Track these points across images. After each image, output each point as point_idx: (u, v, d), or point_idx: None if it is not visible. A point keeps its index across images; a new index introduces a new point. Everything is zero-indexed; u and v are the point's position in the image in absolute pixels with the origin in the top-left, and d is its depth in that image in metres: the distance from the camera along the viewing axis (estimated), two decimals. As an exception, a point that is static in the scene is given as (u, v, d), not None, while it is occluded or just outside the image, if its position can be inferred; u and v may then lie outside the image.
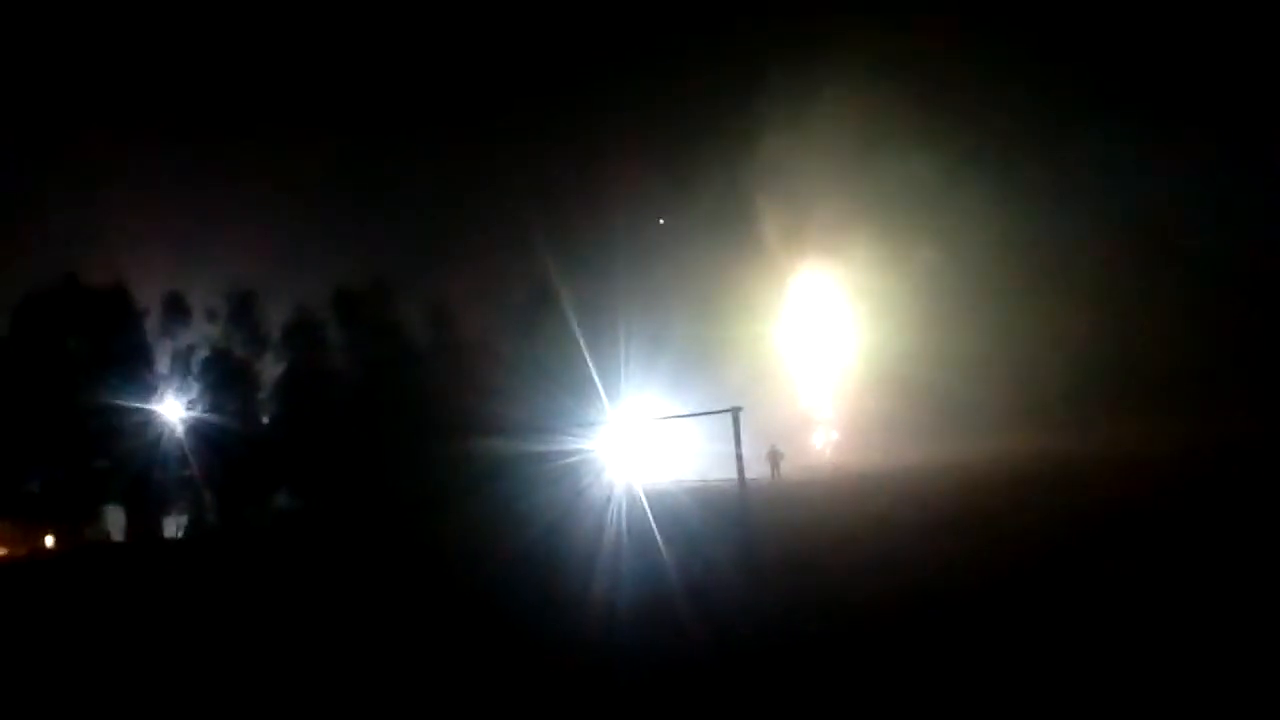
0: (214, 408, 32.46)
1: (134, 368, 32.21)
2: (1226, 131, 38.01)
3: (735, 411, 34.89)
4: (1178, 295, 37.57)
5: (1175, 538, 15.75)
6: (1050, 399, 36.57)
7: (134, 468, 31.42)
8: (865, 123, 44.76)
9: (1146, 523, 17.63)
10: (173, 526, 32.61)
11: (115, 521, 32.26)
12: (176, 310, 33.46)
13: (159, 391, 32.56)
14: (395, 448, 31.35)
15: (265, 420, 33.73)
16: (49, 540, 31.05)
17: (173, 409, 32.42)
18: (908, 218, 43.42)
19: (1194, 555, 14.03)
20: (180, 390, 32.73)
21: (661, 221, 46.53)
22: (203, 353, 33.61)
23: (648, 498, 29.42)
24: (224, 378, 33.06)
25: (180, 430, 32.07)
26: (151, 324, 33.38)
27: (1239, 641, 9.62)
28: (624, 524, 26.18)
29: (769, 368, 44.65)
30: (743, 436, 34.06)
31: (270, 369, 34.09)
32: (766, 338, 45.38)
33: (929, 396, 39.47)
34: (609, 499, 31.97)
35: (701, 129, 48.70)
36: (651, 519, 25.30)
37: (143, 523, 31.83)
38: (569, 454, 34.29)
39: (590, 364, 34.97)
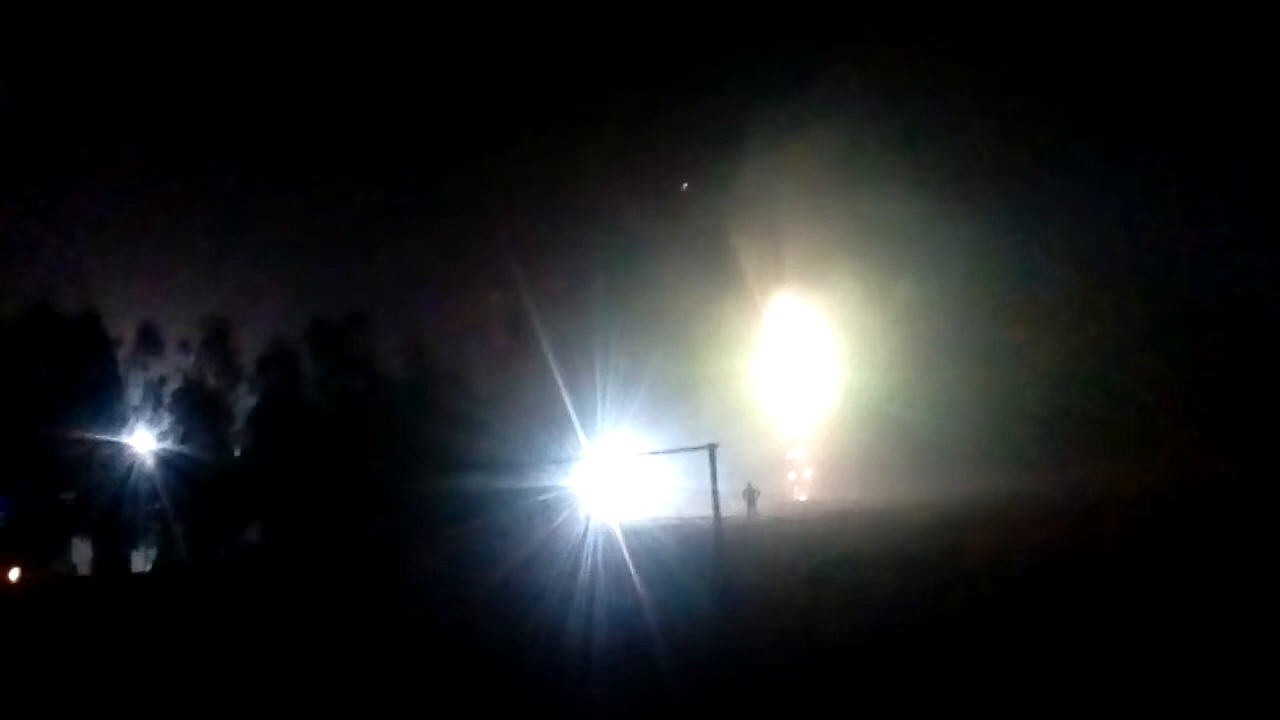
0: (185, 440, 32.37)
1: (105, 398, 32.12)
2: (1207, 170, 38.93)
3: (711, 448, 35.36)
4: (1154, 337, 38.30)
5: (1139, 581, 16.15)
6: (1023, 440, 37.10)
7: (103, 500, 31.22)
8: (844, 159, 45.55)
9: (1109, 565, 18.07)
10: (142, 560, 32.42)
11: (83, 555, 32.03)
12: (149, 341, 33.46)
13: (130, 423, 32.45)
14: (368, 483, 31.42)
15: (237, 453, 33.71)
16: (14, 574, 30.80)
17: (143, 441, 32.32)
18: (885, 255, 44.09)
19: (1157, 598, 14.41)
20: (151, 422, 32.65)
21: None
22: (175, 384, 33.59)
23: (624, 534, 29.63)
24: (196, 409, 33.01)
25: (151, 462, 31.95)
26: (124, 354, 33.33)
27: (1202, 681, 9.97)
28: (599, 561, 26.30)
29: (746, 404, 45.14)
30: (719, 473, 34.48)
31: (243, 401, 34.12)
32: (744, 373, 45.90)
33: (905, 435, 39.96)
34: (584, 536, 32.11)
35: (681, 164, 49.30)
36: (627, 556, 25.46)
37: (111, 556, 31.64)
38: (544, 490, 34.46)
39: (567, 399, 35.23)
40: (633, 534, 29.15)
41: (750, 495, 38.53)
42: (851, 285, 44.79)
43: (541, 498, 34.23)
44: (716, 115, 49.23)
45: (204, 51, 44.36)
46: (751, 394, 46.21)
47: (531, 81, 49.94)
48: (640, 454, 37.11)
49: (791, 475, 45.28)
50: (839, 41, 46.77)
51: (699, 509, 34.35)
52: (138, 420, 32.61)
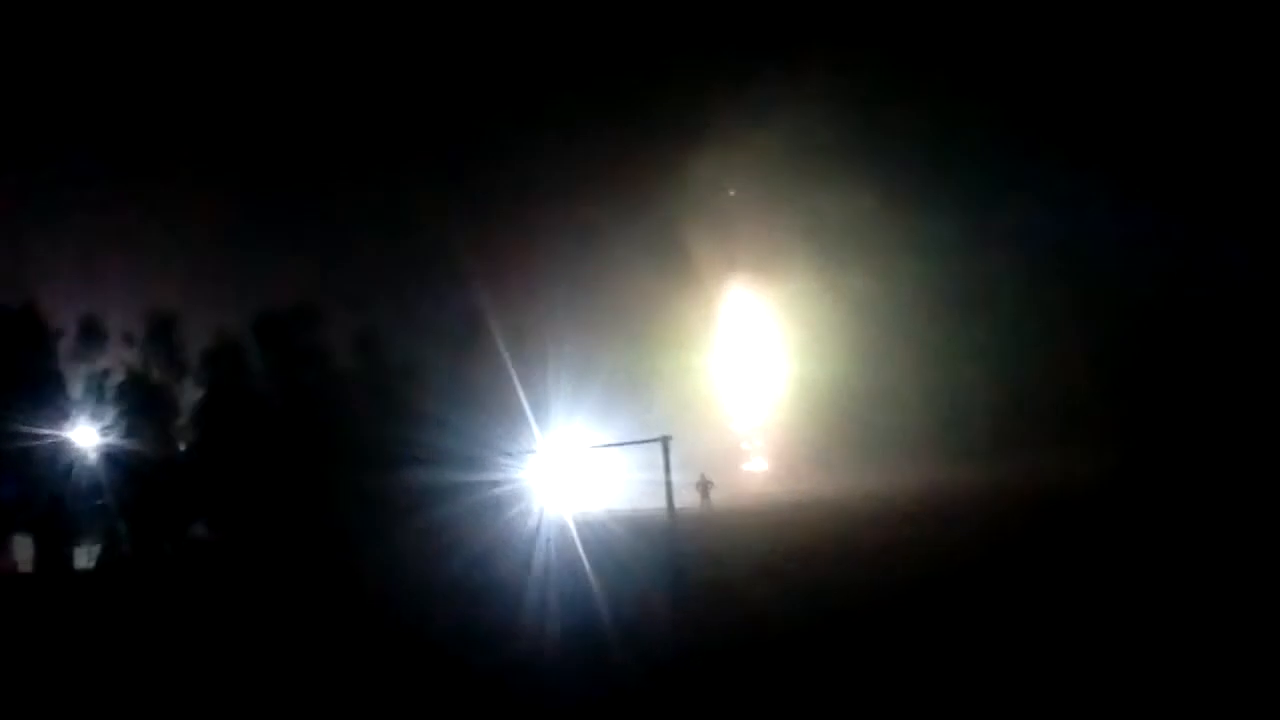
0: (129, 434, 31.90)
1: (45, 392, 31.54)
2: (1152, 165, 39.90)
3: (665, 441, 35.74)
4: (1099, 330, 39.26)
5: (1084, 567, 16.66)
6: (972, 430, 37.89)
7: (44, 496, 30.72)
8: (796, 153, 46.02)
9: (1056, 552, 18.61)
10: (85, 557, 31.94)
11: (25, 552, 31.50)
12: (91, 333, 32.90)
13: (72, 417, 31.93)
14: (318, 477, 31.21)
15: (183, 447, 33.31)
16: (-49, 572, 30.28)
17: (86, 435, 31.83)
18: (837, 249, 44.69)
19: (1101, 586, 14.90)
20: (94, 416, 32.15)
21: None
22: (118, 377, 33.08)
23: (577, 527, 29.82)
24: (140, 403, 32.53)
25: (94, 457, 31.49)
26: (65, 347, 32.75)
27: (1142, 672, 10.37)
28: (553, 553, 26.45)
29: (699, 396, 45.54)
30: (673, 464, 34.83)
31: (189, 394, 33.68)
32: (697, 366, 46.34)
33: (856, 426, 40.62)
34: (538, 528, 32.26)
35: (634, 156, 49.36)
36: (580, 548, 25.64)
37: (53, 553, 31.14)
38: (498, 483, 34.51)
39: (520, 391, 35.27)
40: (586, 526, 29.33)
41: (704, 487, 38.95)
42: (803, 278, 45.37)
43: (495, 491, 34.27)
44: (670, 109, 49.44)
45: (149, 41, 43.69)
46: (705, 386, 46.66)
47: (482, 76, 49.78)
48: (594, 446, 37.33)
49: (745, 467, 45.74)
50: (792, 36, 47.25)
51: (653, 501, 34.67)
52: (80, 414, 32.07)
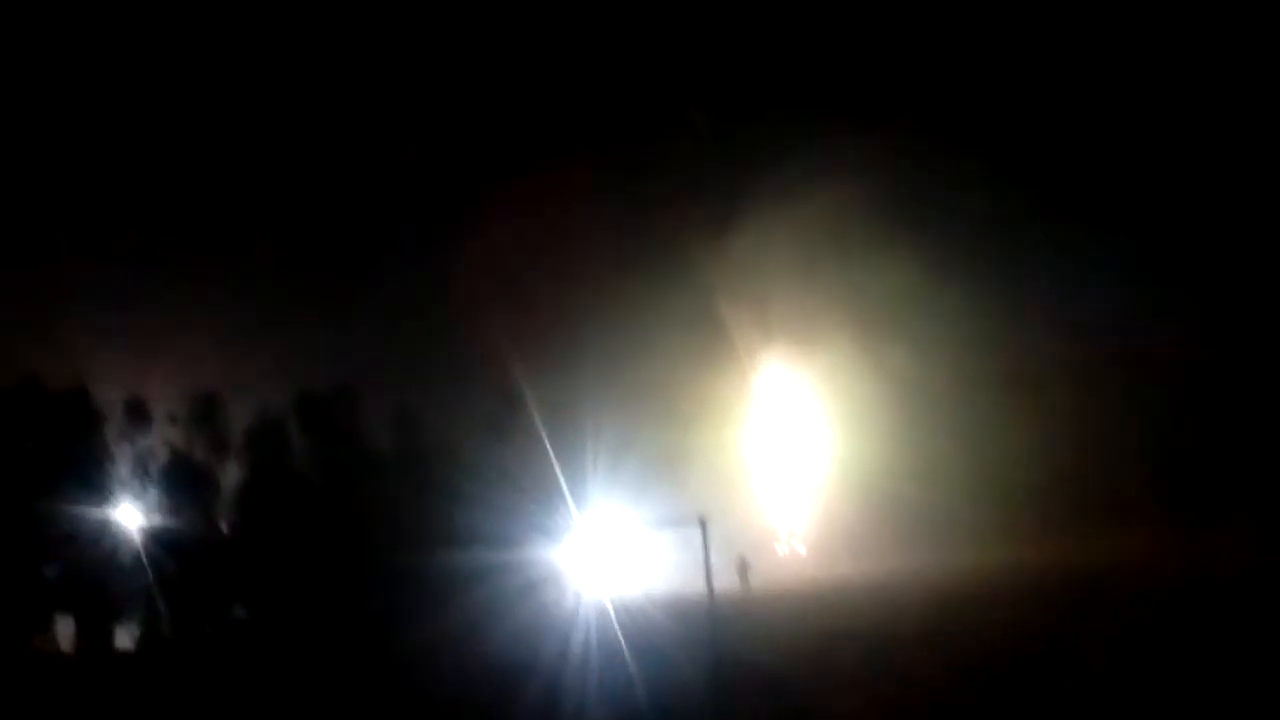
0: (172, 514, 32.48)
1: (92, 472, 32.28)
2: (1201, 253, 39.92)
3: (702, 520, 35.43)
4: (1148, 410, 38.87)
5: (1132, 655, 16.48)
6: (1017, 512, 37.42)
7: (87, 575, 31.24)
8: (836, 225, 46.23)
9: (1106, 639, 18.35)
10: (126, 637, 32.28)
11: (67, 630, 31.90)
12: (137, 414, 33.71)
13: (116, 497, 32.56)
14: (357, 558, 31.51)
15: (225, 527, 33.79)
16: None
17: (130, 515, 32.41)
18: (878, 324, 44.59)
19: (1149, 672, 14.76)
20: (138, 496, 32.78)
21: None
22: (162, 457, 33.78)
23: (615, 609, 29.70)
24: (183, 483, 33.18)
25: (137, 537, 32.01)
26: (112, 428, 33.56)
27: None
28: (591, 636, 26.37)
29: (737, 474, 45.34)
30: (710, 544, 34.55)
31: (231, 475, 34.29)
32: (734, 443, 46.15)
33: (898, 506, 40.20)
34: (575, 610, 32.17)
35: (670, 231, 49.90)
36: (619, 631, 25.56)
37: (95, 633, 31.52)
38: (534, 563, 34.54)
39: (556, 470, 35.46)
40: (624, 609, 29.20)
41: (742, 568, 38.65)
42: (843, 354, 45.30)
43: (532, 572, 34.30)
44: (705, 183, 50.10)
45: (194, 124, 45.25)
46: (743, 464, 46.47)
47: (517, 148, 50.89)
48: (630, 526, 37.22)
49: (784, 547, 45.38)
50: (832, 109, 47.77)
51: (690, 580, 34.43)
52: (124, 494, 32.71)
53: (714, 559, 35.08)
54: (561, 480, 35.41)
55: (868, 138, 45.88)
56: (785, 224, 47.32)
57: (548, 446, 35.63)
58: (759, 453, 47.20)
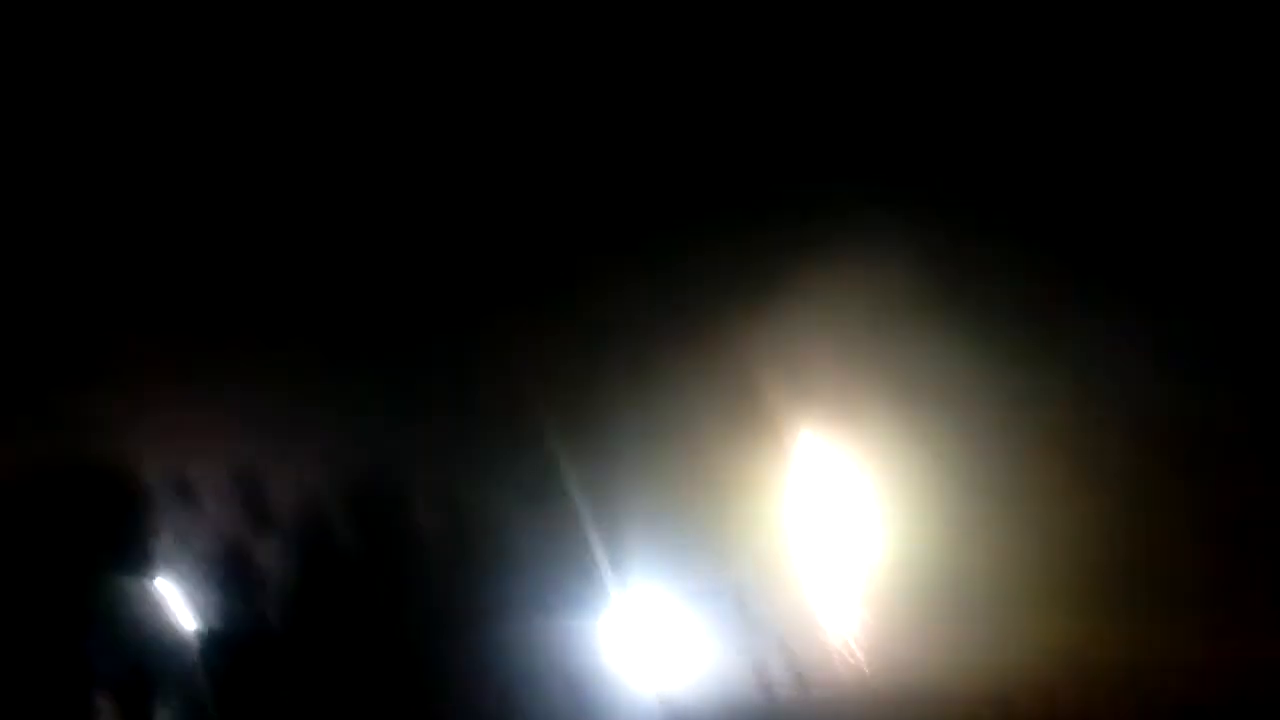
0: (214, 593, 32.89)
1: (136, 550, 32.80)
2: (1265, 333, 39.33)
3: (743, 600, 35.31)
4: (1207, 498, 38.05)
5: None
6: (1076, 591, 36.68)
7: (129, 654, 31.65)
8: (883, 297, 45.83)
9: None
10: (167, 718, 32.52)
11: (107, 710, 32.21)
12: (183, 492, 34.28)
13: (160, 575, 33.03)
14: (397, 635, 31.72)
15: (266, 605, 34.09)
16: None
17: (172, 593, 32.84)
18: (929, 402, 43.89)
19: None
20: (181, 574, 33.22)
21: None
22: (206, 536, 34.24)
23: (653, 694, 29.53)
24: (226, 562, 33.60)
25: (178, 616, 32.42)
26: (157, 505, 34.12)
27: None
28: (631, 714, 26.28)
29: (780, 554, 44.87)
30: (750, 629, 34.37)
31: (274, 552, 34.66)
32: (777, 521, 45.73)
33: (950, 584, 39.50)
34: (610, 692, 32.09)
35: (710, 303, 50.03)
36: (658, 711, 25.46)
37: (134, 713, 31.77)
38: (572, 637, 34.52)
39: (595, 545, 35.56)
40: (664, 697, 28.98)
41: (784, 655, 38.12)
42: (892, 432, 44.63)
43: (571, 649, 34.30)
44: (745, 254, 50.29)
45: (238, 204, 46.44)
46: (785, 544, 46.01)
47: (552, 231, 51.55)
48: (668, 604, 37.09)
49: (829, 633, 44.65)
50: (878, 179, 47.55)
51: (730, 665, 34.13)
52: (168, 572, 33.18)
53: (754, 642, 34.95)
54: (599, 556, 35.52)
55: (916, 207, 45.75)
56: (828, 295, 47.20)
57: (585, 520, 35.82)
58: (802, 533, 46.75)
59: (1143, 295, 41.94)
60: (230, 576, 33.50)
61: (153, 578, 33.02)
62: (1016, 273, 44.85)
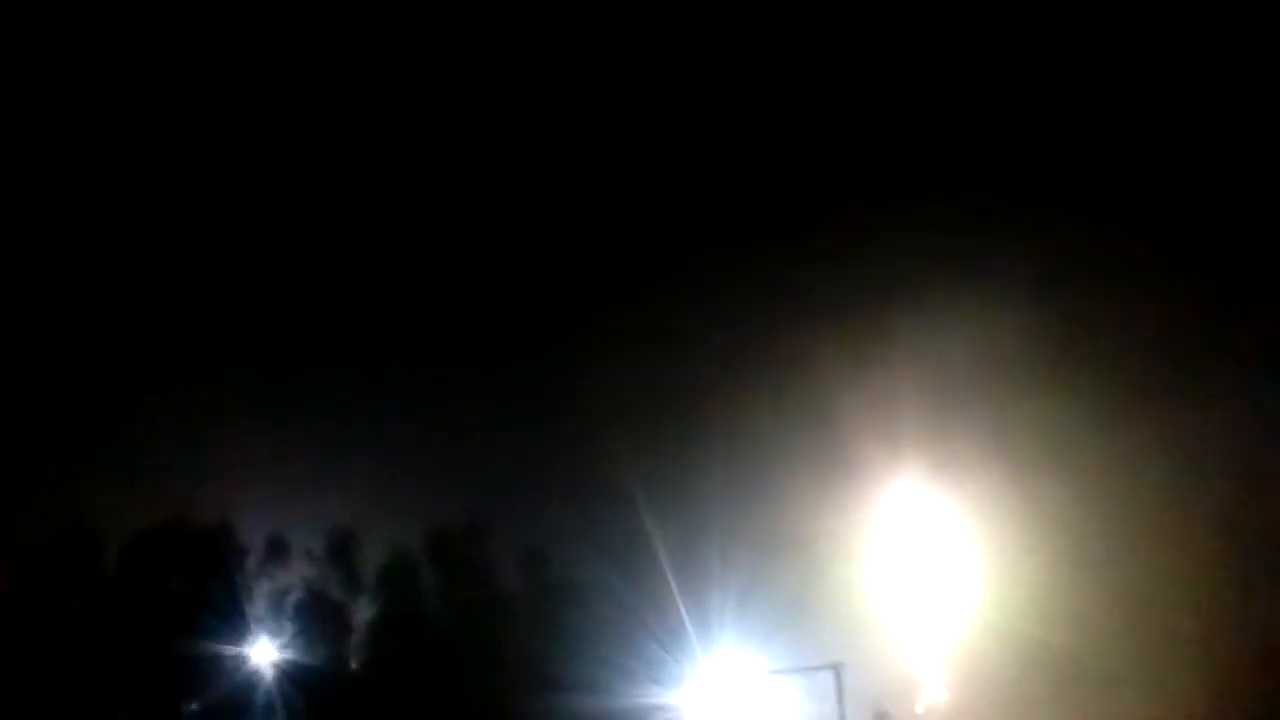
0: (306, 651, 33.89)
1: (231, 609, 34.04)
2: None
3: (837, 668, 34.75)
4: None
5: None
6: (1178, 664, 35.44)
7: (223, 710, 32.70)
8: (981, 357, 45.14)
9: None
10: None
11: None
12: (276, 550, 35.57)
13: (253, 633, 34.17)
14: (482, 700, 32.15)
15: (355, 665, 34.99)
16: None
17: (265, 651, 33.93)
18: (1028, 458, 42.91)
19: None
20: (274, 632, 34.35)
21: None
22: (298, 594, 35.40)
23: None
24: (317, 620, 34.65)
25: (271, 674, 33.42)
26: (252, 564, 35.45)
27: None
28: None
29: (873, 617, 44.11)
30: (845, 694, 33.70)
31: (363, 611, 35.63)
32: (870, 584, 45.02)
33: (1049, 655, 38.42)
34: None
35: (801, 362, 49.75)
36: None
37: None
38: (660, 709, 34.41)
39: (683, 610, 35.46)
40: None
41: (880, 725, 37.49)
42: (989, 489, 43.83)
43: (656, 716, 34.23)
44: (839, 308, 49.86)
45: (319, 263, 48.04)
46: (879, 607, 45.24)
47: (646, 288, 52.00)
48: (758, 672, 36.62)
49: (923, 702, 43.64)
50: (982, 230, 46.66)
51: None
52: (260, 630, 34.29)
53: (849, 711, 34.32)
54: (687, 621, 35.41)
55: (1020, 263, 45.02)
56: (924, 352, 46.70)
57: (673, 585, 35.78)
58: (897, 595, 45.96)
59: (1248, 361, 40.69)
60: (320, 632, 34.47)
61: (247, 635, 34.15)
62: (1127, 331, 43.91)
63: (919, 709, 42.82)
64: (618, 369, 49.03)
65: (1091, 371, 42.88)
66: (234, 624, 33.86)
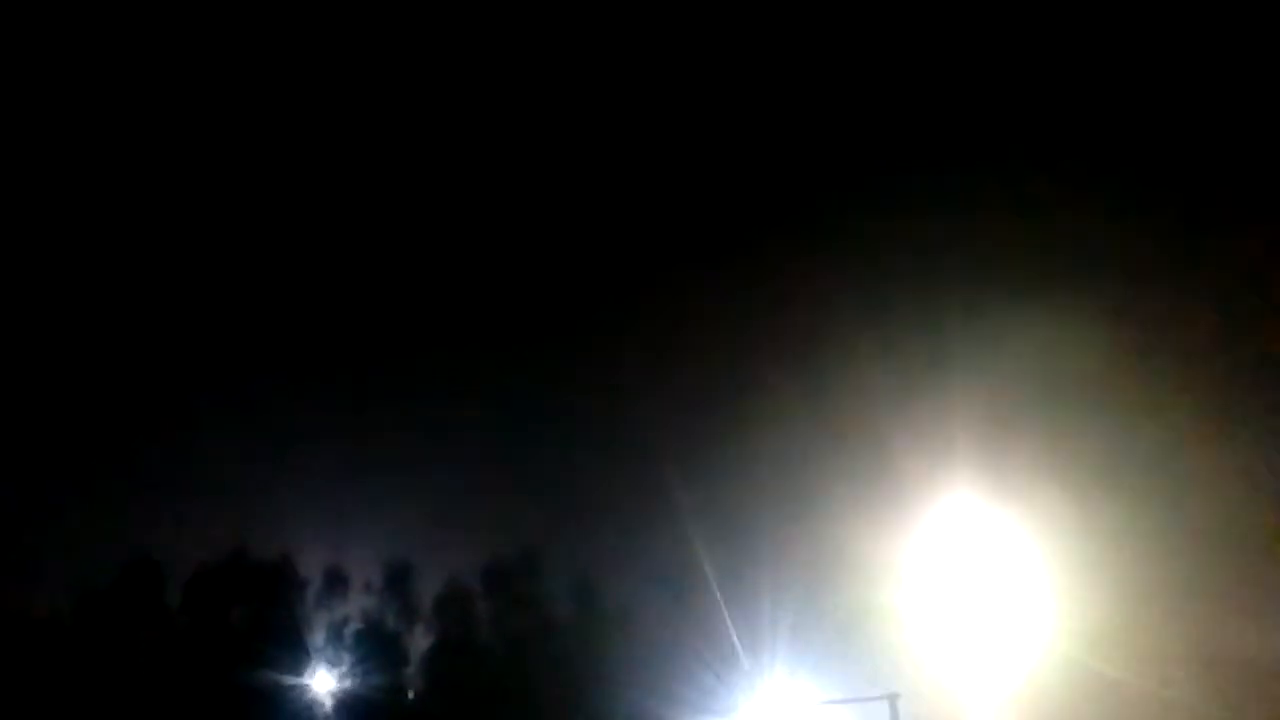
0: (364, 681, 34.85)
1: (291, 640, 35.17)
2: None
3: (892, 699, 34.81)
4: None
5: None
6: (1247, 698, 34.79)
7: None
8: (1039, 380, 44.71)
9: None
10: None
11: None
12: (335, 582, 36.72)
13: (312, 663, 35.24)
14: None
15: (412, 695, 35.86)
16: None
17: (324, 681, 34.98)
18: (1092, 481, 42.30)
19: None
20: (333, 662, 35.40)
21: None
22: (356, 624, 36.49)
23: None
24: (375, 650, 35.63)
25: (329, 704, 34.43)
26: (311, 595, 36.63)
27: None
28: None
29: (930, 646, 43.89)
30: (901, 726, 33.66)
31: (419, 641, 36.59)
32: (926, 613, 44.81)
33: (1112, 686, 37.96)
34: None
35: (856, 385, 49.67)
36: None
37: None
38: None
39: (735, 638, 35.72)
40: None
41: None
42: (1050, 513, 43.24)
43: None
44: (895, 331, 49.78)
45: (377, 290, 49.12)
46: (935, 636, 44.99)
47: (695, 311, 52.32)
48: (811, 701, 36.72)
49: (984, 731, 43.26)
50: (1042, 251, 46.32)
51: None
52: (319, 660, 35.36)
53: (903, 742, 34.25)
54: (739, 648, 35.64)
55: (1080, 289, 44.58)
56: (981, 377, 46.44)
57: (725, 612, 36.06)
58: (954, 623, 45.66)
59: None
60: (377, 662, 35.40)
61: (307, 665, 35.21)
62: (1191, 356, 43.36)
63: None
64: (668, 398, 49.59)
65: (1161, 392, 42.31)
66: (294, 654, 35.00)
